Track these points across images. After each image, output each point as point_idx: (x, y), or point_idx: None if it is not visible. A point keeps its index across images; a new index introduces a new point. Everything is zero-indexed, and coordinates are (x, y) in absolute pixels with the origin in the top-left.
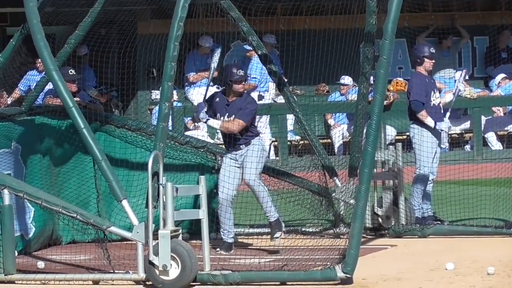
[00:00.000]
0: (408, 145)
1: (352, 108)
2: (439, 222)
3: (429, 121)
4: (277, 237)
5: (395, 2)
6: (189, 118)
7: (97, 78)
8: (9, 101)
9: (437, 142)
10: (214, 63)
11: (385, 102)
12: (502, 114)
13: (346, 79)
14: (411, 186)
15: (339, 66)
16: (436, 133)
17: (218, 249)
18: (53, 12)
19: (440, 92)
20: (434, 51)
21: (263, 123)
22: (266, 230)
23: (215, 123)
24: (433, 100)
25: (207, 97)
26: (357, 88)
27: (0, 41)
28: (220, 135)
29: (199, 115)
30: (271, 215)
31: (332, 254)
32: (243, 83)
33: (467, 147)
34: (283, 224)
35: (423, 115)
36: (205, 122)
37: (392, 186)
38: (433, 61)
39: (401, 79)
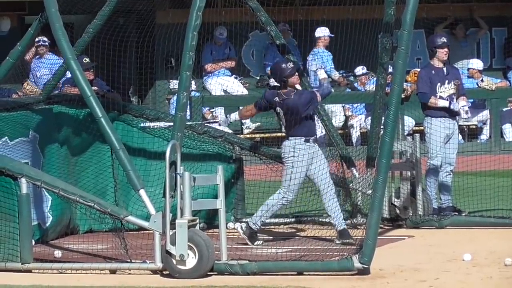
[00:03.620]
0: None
1: (370, 99)
2: (456, 213)
3: (442, 103)
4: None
5: None
6: (207, 108)
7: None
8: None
9: (449, 132)
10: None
11: (402, 95)
12: None
13: (360, 70)
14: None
15: (358, 56)
16: (447, 123)
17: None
18: (72, 0)
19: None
20: (445, 40)
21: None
22: (284, 220)
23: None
24: (441, 92)
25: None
26: (375, 78)
27: (18, 30)
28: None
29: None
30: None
31: (349, 245)
32: (296, 74)
33: (483, 136)
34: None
35: (432, 102)
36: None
37: (410, 176)
38: (445, 49)
39: (419, 69)
